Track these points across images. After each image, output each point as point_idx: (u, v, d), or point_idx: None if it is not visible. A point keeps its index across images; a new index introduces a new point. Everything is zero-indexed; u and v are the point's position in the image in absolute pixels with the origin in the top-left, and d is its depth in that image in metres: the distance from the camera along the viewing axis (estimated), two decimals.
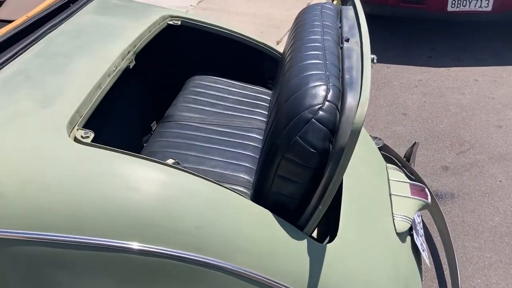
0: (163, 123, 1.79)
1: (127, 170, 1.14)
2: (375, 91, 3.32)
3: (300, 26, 1.61)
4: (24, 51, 1.44)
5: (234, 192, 1.23)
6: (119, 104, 1.85)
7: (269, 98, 2.02)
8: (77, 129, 1.22)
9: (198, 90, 1.97)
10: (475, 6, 3.67)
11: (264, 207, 1.25)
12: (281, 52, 2.15)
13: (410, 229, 1.70)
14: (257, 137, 1.75)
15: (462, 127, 2.85)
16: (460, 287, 1.70)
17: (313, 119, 1.16)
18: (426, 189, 1.78)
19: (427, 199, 1.73)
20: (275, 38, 4.09)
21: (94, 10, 1.81)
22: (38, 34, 1.51)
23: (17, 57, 1.41)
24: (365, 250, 1.40)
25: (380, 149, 2.24)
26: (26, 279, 1.09)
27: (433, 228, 2.13)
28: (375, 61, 1.55)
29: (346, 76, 1.26)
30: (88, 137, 1.21)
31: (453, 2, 3.67)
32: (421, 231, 1.84)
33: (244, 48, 2.08)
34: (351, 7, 1.73)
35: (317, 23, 1.58)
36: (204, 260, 1.12)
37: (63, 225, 1.07)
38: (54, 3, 1.72)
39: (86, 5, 1.81)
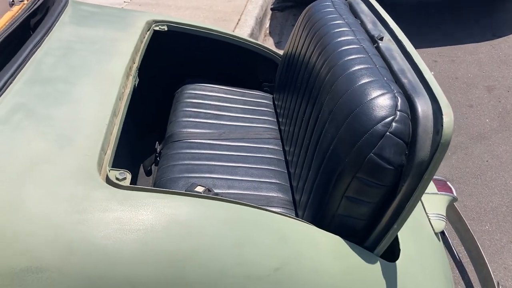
0: (169, 143, 1.59)
1: (180, 212, 0.96)
2: None
3: (321, 26, 1.47)
4: (13, 79, 1.18)
5: (298, 220, 1.09)
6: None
7: (270, 103, 1.88)
8: (109, 170, 1.02)
9: (195, 101, 1.78)
10: None
11: (328, 231, 1.13)
12: (275, 51, 2.01)
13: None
14: (276, 149, 1.61)
15: None
16: (492, 276, 1.69)
17: (388, 133, 1.04)
18: (448, 182, 1.74)
19: (452, 193, 1.69)
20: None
21: (71, 21, 1.55)
22: (23, 56, 1.25)
23: (7, 88, 1.15)
24: (424, 260, 1.32)
25: None
26: None
27: None
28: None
29: (404, 80, 1.15)
30: (125, 178, 1.01)
31: None
32: None
33: (235, 50, 1.91)
34: (359, 0, 1.63)
35: (339, 21, 1.45)
36: None
37: None
38: (17, 15, 1.44)
39: (60, 15, 1.55)
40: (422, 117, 1.06)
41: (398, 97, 1.09)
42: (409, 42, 1.28)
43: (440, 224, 1.56)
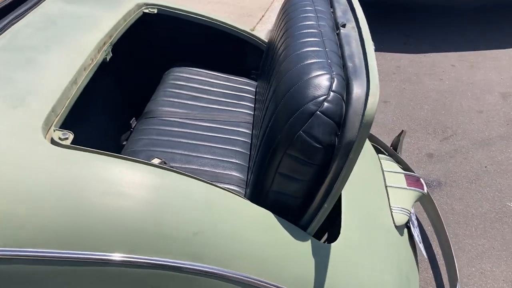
0: (143, 119, 1.66)
1: (112, 174, 1.02)
2: None
3: (291, 12, 1.51)
4: None
5: (231, 192, 1.13)
6: (95, 100, 1.71)
7: (254, 90, 1.92)
8: (54, 130, 1.09)
9: (179, 83, 1.85)
10: None
11: (264, 207, 1.16)
12: (264, 40, 2.05)
13: (407, 221, 1.65)
14: (246, 132, 1.65)
15: (443, 114, 2.83)
16: (458, 276, 1.66)
17: (318, 112, 1.07)
18: (421, 179, 1.72)
19: (423, 189, 1.68)
20: (248, 27, 3.96)
21: None
22: (1, 25, 1.36)
23: None
24: (368, 247, 1.33)
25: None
26: None
27: (423, 217, 2.09)
28: (373, 48, 1.47)
29: (349, 64, 1.17)
30: (67, 138, 1.08)
31: None
32: (416, 222, 1.80)
33: (224, 37, 1.96)
34: None
35: (309, 8, 1.48)
36: (203, 268, 1.02)
37: (41, 240, 0.94)
38: None
39: None
40: (355, 99, 1.08)
41: (335, 79, 1.11)
42: (368, 30, 1.30)
43: (402, 218, 1.55)
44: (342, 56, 1.23)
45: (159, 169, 1.06)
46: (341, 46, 1.27)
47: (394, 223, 1.52)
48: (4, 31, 1.35)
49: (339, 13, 1.48)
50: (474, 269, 1.89)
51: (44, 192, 0.96)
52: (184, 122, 1.63)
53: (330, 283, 1.14)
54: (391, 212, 1.55)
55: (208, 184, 1.09)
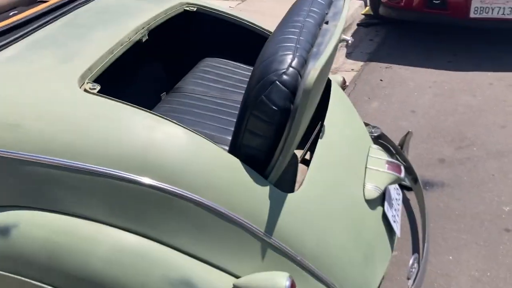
0: (170, 93, 2.06)
1: (122, 115, 1.40)
2: (389, 90, 3.47)
3: (289, 11, 1.82)
4: (55, 20, 1.74)
5: (210, 142, 1.46)
6: (132, 73, 2.13)
7: None
8: (87, 83, 1.50)
9: (206, 69, 2.23)
10: (497, 13, 3.74)
11: (238, 159, 1.48)
12: None
13: (383, 201, 1.87)
14: None
15: (466, 125, 2.96)
16: (425, 258, 1.85)
17: (277, 81, 1.38)
18: (402, 167, 1.94)
19: (400, 174, 1.90)
20: None
21: None
22: (68, 8, 1.81)
23: (48, 25, 1.71)
24: (327, 205, 1.60)
25: (378, 137, 2.41)
26: (32, 191, 1.36)
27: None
28: (349, 42, 1.74)
29: (314, 50, 1.47)
30: (94, 88, 1.48)
31: (476, 9, 3.76)
32: (397, 206, 2.01)
33: (250, 34, 2.31)
34: None
35: (305, 8, 1.79)
36: (180, 192, 1.35)
37: (67, 152, 1.33)
38: None
39: None
40: (306, 74, 1.37)
41: (296, 58, 1.41)
42: (341, 28, 1.58)
43: (372, 194, 1.79)
44: (314, 44, 1.53)
45: (161, 118, 1.42)
46: (316, 37, 1.57)
47: (364, 196, 1.77)
48: (69, 13, 1.81)
49: (330, 14, 1.77)
50: (451, 257, 2.05)
51: (72, 120, 1.36)
52: (202, 98, 2.00)
53: (280, 224, 1.42)
54: (364, 187, 1.80)
55: (196, 134, 1.43)
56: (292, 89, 1.38)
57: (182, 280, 1.33)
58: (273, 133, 1.43)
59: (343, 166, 1.80)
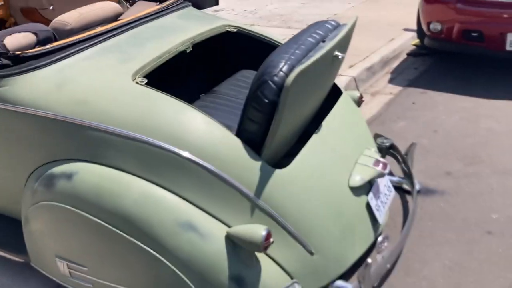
0: (207, 94, 2.59)
1: (159, 101, 1.93)
2: (419, 112, 3.77)
3: (300, 32, 2.28)
4: (123, 33, 2.34)
5: (224, 127, 1.94)
6: (179, 76, 2.69)
7: None
8: (138, 77, 2.05)
9: (241, 78, 2.75)
10: None
11: (241, 140, 1.94)
12: None
13: (369, 192, 2.23)
14: None
15: (481, 147, 3.20)
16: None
17: (269, 81, 1.85)
18: (388, 165, 2.29)
19: (384, 170, 2.25)
20: (349, 63, 4.70)
21: (177, 16, 2.69)
22: (134, 25, 2.41)
23: (117, 36, 2.31)
24: (311, 184, 2.02)
25: (389, 147, 2.76)
26: (90, 149, 1.91)
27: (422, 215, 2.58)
28: (340, 57, 2.14)
29: (303, 60, 1.92)
30: (143, 82, 2.03)
31: None
32: (385, 200, 2.35)
33: None
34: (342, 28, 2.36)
35: (312, 29, 2.24)
36: (194, 159, 1.84)
37: (117, 122, 1.88)
38: (152, 11, 2.63)
39: (173, 12, 2.70)
40: (290, 76, 1.82)
41: (286, 64, 1.88)
42: (335, 42, 2.01)
43: (355, 182, 2.18)
44: (306, 56, 1.97)
45: (178, 100, 1.94)
46: (310, 51, 2.01)
47: (348, 184, 2.15)
48: (133, 29, 2.41)
49: (331, 35, 2.21)
50: (432, 249, 2.34)
51: (123, 101, 1.92)
52: (230, 99, 2.51)
53: (267, 192, 1.87)
54: (350, 177, 2.18)
55: (211, 119, 1.93)
56: (280, 87, 1.84)
57: (187, 223, 1.81)
58: (265, 121, 1.89)
59: (333, 158, 2.20)
